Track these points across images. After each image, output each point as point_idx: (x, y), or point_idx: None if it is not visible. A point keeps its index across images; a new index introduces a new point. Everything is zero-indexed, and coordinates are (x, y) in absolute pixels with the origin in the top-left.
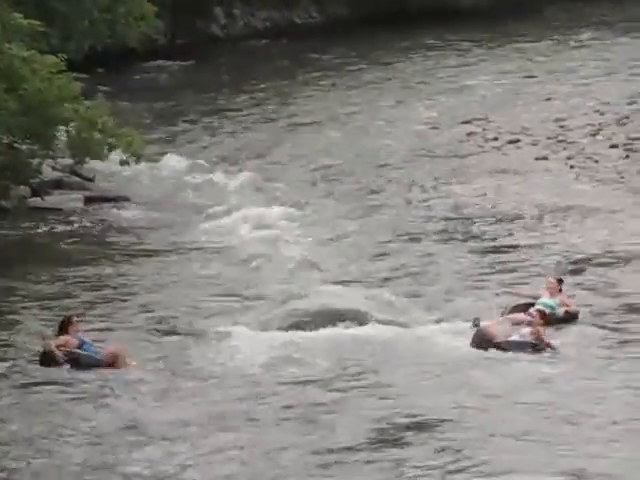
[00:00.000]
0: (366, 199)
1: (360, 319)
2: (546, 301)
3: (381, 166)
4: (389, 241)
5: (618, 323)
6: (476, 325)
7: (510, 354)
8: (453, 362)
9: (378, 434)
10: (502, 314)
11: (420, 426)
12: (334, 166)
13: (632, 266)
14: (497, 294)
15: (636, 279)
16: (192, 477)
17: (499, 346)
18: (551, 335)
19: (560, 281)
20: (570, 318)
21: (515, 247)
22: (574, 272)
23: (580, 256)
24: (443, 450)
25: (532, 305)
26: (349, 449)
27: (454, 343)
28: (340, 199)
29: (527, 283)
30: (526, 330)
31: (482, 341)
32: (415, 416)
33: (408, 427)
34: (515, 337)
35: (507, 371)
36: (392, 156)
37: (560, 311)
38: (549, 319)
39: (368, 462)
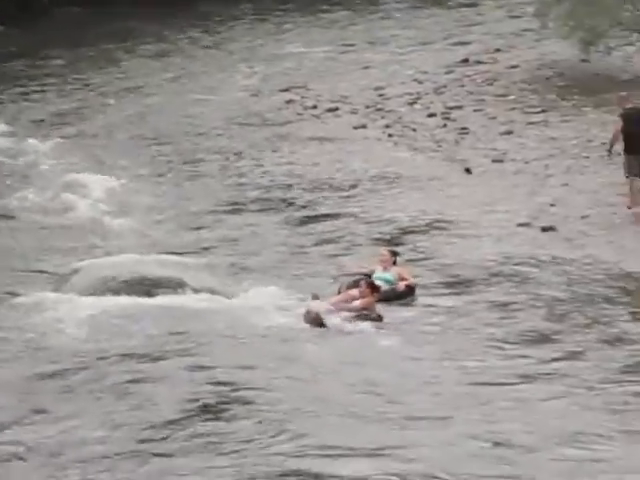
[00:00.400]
0: (184, 168)
1: (181, 289)
2: (380, 275)
3: (199, 134)
4: (209, 211)
5: (446, 295)
6: (315, 299)
7: (341, 329)
8: (279, 336)
9: (202, 408)
10: (339, 291)
11: (244, 400)
12: (151, 134)
13: (451, 234)
14: (325, 267)
15: (456, 248)
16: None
17: (329, 322)
18: (386, 310)
19: (394, 253)
20: (410, 292)
21: (336, 216)
22: (396, 242)
23: (401, 224)
24: (266, 423)
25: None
26: (172, 423)
27: (280, 316)
28: (158, 168)
29: (350, 254)
30: (355, 304)
31: (313, 317)
32: (239, 390)
33: (232, 400)
34: (346, 313)
35: (336, 346)
36: (210, 124)
37: (400, 285)
38: (388, 294)
39: (192, 436)
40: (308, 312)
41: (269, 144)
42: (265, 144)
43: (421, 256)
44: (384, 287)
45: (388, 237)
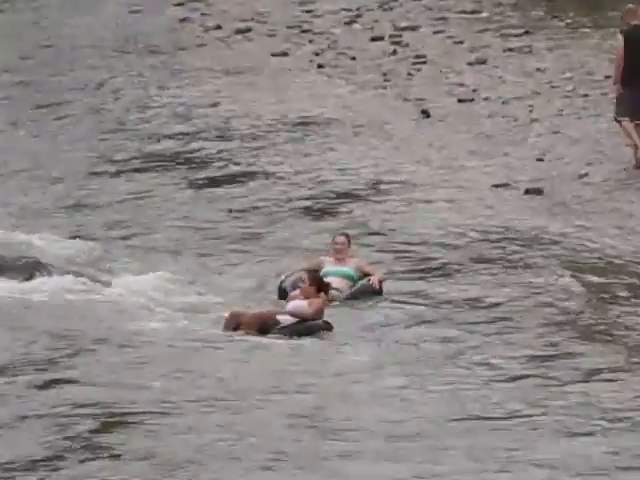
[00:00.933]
0: (43, 112)
1: (45, 275)
2: (333, 269)
3: (62, 66)
4: (81, 171)
5: (408, 289)
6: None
7: (273, 342)
8: (184, 344)
9: (79, 443)
10: (281, 289)
11: (136, 432)
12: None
13: (405, 200)
14: (243, 247)
15: (414, 219)
16: None
17: (262, 328)
18: (336, 313)
19: (348, 237)
20: (380, 291)
21: (250, 176)
22: (330, 212)
23: (336, 187)
24: (167, 467)
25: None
26: (41, 465)
27: (184, 315)
28: (7, 112)
29: (272, 231)
30: (294, 304)
31: (235, 322)
32: (129, 417)
33: (120, 433)
34: (282, 317)
35: (265, 364)
36: (76, 52)
37: (374, 282)
38: (361, 293)
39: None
40: (232, 315)
41: (156, 78)
42: (151, 78)
43: (366, 231)
44: (341, 285)
45: (320, 205)
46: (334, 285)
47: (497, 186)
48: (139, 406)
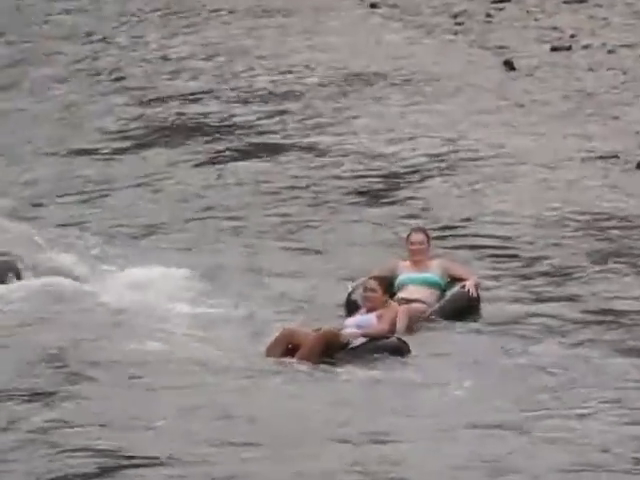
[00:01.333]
0: (25, 68)
1: (39, 275)
2: (411, 276)
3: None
4: (82, 148)
5: (510, 296)
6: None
7: (334, 370)
8: (209, 366)
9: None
10: (349, 303)
11: (123, 471)
12: None
13: (487, 177)
14: (280, 241)
15: (505, 203)
16: None
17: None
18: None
19: (427, 234)
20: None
21: (287, 149)
22: (395, 195)
23: (397, 162)
24: None
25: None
26: None
27: (220, 339)
28: None
29: (319, 220)
30: (357, 320)
31: (288, 343)
32: (115, 461)
33: (107, 468)
34: (354, 337)
35: (322, 399)
36: None
37: (469, 287)
38: (457, 304)
39: None
40: (285, 334)
41: (158, 23)
42: (151, 23)
43: (435, 222)
44: (425, 295)
45: (375, 186)
46: (416, 297)
47: (603, 158)
48: (145, 451)
